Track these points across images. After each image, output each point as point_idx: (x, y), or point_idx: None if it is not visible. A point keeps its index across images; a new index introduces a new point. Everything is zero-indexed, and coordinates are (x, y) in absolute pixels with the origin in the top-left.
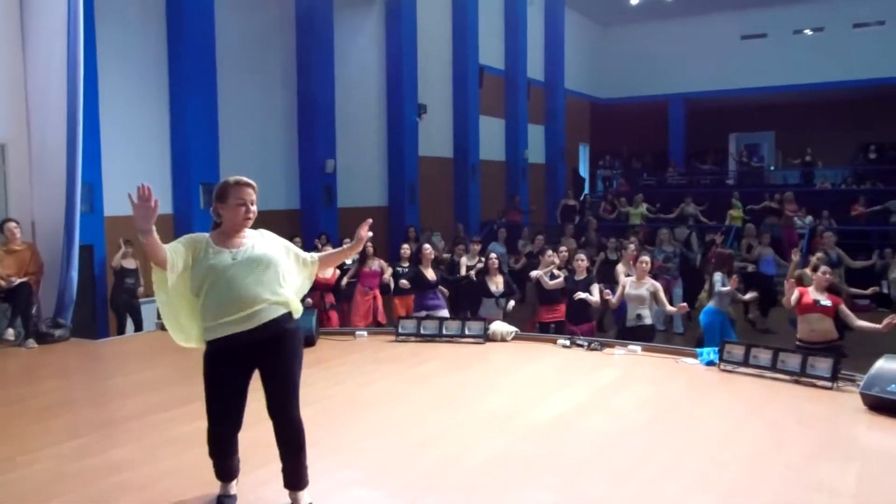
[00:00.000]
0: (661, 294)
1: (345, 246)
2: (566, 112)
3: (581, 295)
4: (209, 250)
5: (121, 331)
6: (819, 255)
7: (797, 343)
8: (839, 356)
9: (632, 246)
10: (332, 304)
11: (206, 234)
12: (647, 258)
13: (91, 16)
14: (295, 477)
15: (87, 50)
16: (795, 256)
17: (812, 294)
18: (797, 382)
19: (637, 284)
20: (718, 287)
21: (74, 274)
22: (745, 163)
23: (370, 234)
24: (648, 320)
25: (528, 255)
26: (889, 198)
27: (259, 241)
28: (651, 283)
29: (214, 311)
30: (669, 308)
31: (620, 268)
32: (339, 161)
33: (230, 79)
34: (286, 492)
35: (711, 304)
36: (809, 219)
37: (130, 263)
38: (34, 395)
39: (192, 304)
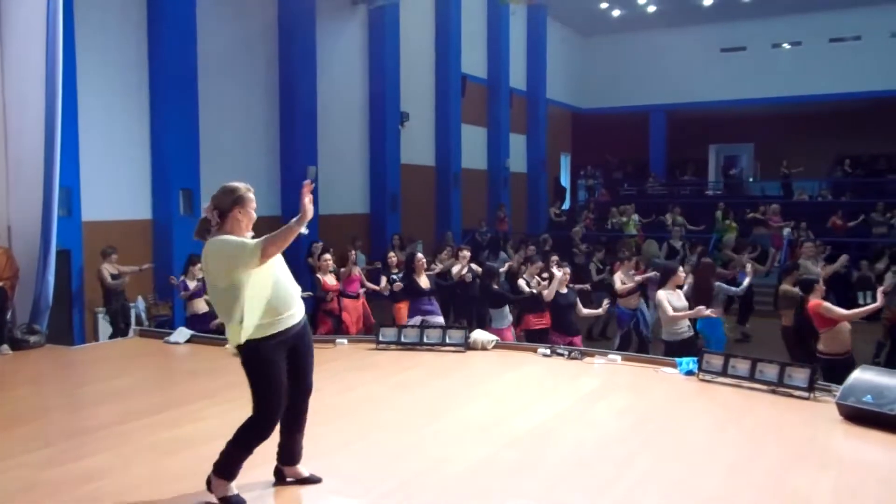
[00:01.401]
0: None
1: (292, 221)
2: (548, 121)
3: (590, 312)
4: None
5: (114, 335)
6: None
7: (833, 357)
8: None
9: (634, 258)
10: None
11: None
12: (681, 267)
13: (70, 18)
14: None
15: (65, 53)
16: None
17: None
18: (774, 392)
19: (678, 296)
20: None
21: (51, 279)
22: (732, 175)
23: (310, 197)
24: None
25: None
26: (866, 210)
27: None
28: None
29: (277, 307)
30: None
31: (618, 276)
32: (320, 168)
33: (212, 85)
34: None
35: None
36: (788, 230)
37: (114, 269)
38: (6, 402)
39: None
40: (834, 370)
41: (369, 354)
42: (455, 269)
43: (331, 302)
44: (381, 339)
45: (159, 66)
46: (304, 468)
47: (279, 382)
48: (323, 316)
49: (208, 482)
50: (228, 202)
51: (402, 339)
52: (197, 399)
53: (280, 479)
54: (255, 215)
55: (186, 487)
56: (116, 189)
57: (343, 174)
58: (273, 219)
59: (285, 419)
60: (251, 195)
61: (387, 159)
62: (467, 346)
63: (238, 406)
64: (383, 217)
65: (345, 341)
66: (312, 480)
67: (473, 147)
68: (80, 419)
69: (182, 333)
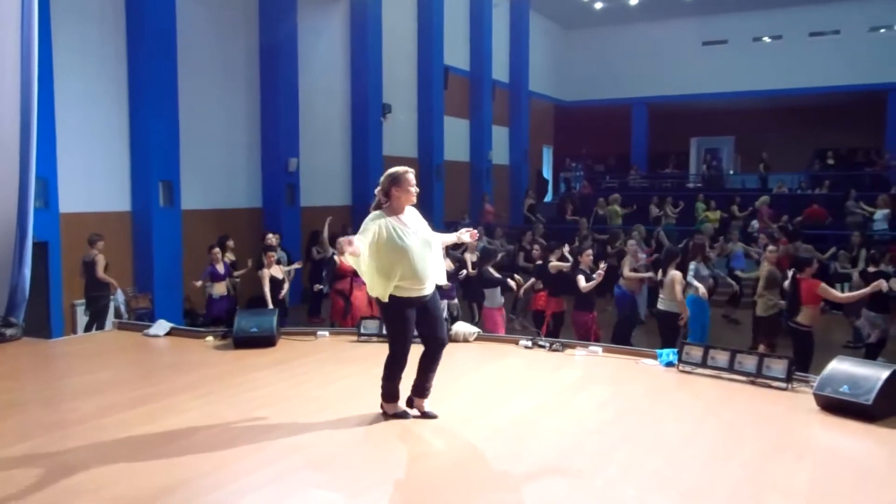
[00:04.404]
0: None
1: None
2: (530, 114)
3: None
4: (396, 230)
5: (88, 329)
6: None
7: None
8: None
9: (632, 242)
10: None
11: (382, 215)
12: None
13: (46, 6)
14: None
15: (41, 42)
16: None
17: None
18: (753, 383)
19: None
20: (691, 276)
21: (27, 271)
22: (715, 167)
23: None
24: None
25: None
26: (843, 202)
27: (416, 222)
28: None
29: (411, 279)
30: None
31: (626, 261)
32: (302, 160)
33: (192, 75)
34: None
35: (690, 294)
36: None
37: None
38: None
39: (381, 267)
40: (807, 339)
41: (350, 347)
42: (465, 256)
43: (342, 281)
44: (362, 331)
45: (139, 56)
46: (427, 404)
47: (406, 331)
48: (335, 295)
49: (383, 409)
50: (388, 183)
51: (384, 332)
52: (176, 392)
53: (409, 405)
54: (413, 192)
55: (166, 481)
56: (95, 180)
57: (325, 166)
58: (254, 210)
59: (421, 361)
60: (408, 175)
61: (369, 151)
62: (449, 338)
63: (217, 399)
64: (365, 209)
65: (326, 333)
66: (430, 416)
67: (456, 139)
68: (58, 413)
69: (161, 326)
